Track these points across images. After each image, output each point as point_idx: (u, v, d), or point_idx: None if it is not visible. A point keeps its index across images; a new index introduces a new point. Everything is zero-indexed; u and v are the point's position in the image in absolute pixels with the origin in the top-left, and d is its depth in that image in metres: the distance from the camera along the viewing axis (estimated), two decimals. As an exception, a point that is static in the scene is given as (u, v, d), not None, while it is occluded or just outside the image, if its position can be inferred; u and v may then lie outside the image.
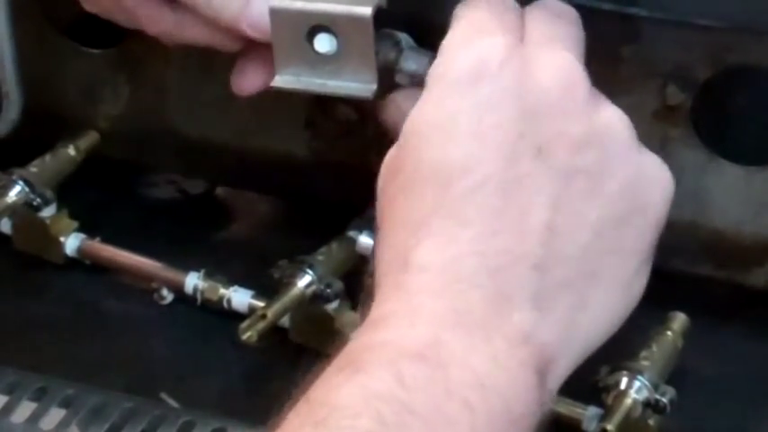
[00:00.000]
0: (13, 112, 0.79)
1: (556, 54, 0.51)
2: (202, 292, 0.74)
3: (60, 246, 0.78)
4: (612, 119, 0.52)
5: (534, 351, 0.48)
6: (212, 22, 0.60)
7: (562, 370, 0.49)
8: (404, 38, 0.59)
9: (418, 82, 0.56)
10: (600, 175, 0.50)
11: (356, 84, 0.56)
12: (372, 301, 0.50)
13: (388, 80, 0.58)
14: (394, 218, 0.51)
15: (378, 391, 0.45)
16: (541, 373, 0.48)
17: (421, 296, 0.48)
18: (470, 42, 0.52)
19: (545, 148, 0.49)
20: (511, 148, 0.49)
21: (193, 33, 0.62)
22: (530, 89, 0.50)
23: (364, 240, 0.70)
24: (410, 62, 0.58)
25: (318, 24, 0.56)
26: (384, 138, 0.57)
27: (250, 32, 0.59)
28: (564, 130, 0.50)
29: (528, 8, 0.55)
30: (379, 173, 0.53)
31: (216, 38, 0.62)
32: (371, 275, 0.52)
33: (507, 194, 0.48)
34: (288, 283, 0.70)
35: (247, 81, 0.63)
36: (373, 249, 0.54)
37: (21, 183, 0.77)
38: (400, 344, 0.46)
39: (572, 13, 0.55)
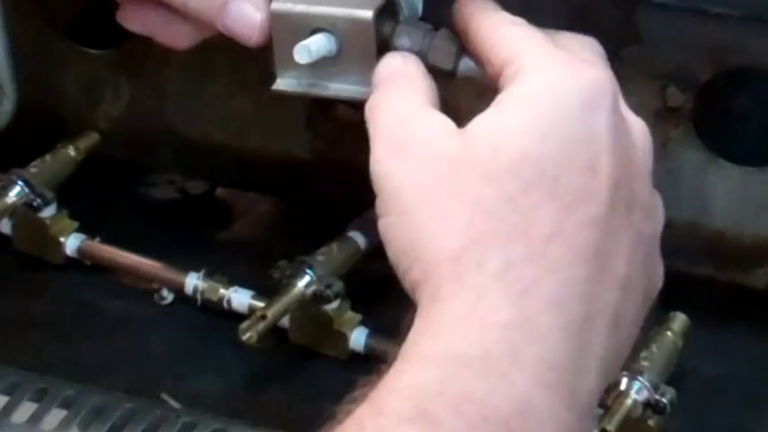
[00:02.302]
0: (7, 104, 0.79)
1: (638, 118, 0.50)
2: (202, 293, 0.74)
3: (60, 246, 0.78)
4: (659, 202, 0.51)
5: (588, 421, 0.46)
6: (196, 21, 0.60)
7: None
8: (406, 4, 0.57)
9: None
10: (652, 249, 0.50)
11: (358, 86, 0.56)
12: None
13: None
14: (499, 228, 0.46)
15: None
16: None
17: (520, 341, 0.44)
18: (574, 65, 0.48)
19: (631, 204, 0.48)
20: (614, 194, 0.47)
21: (181, 32, 0.62)
22: (631, 143, 0.49)
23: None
24: (404, 39, 0.57)
25: (319, 27, 0.55)
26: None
27: (228, 33, 0.58)
28: (643, 194, 0.49)
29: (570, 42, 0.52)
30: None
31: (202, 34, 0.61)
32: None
33: (605, 240, 0.46)
34: (288, 283, 0.70)
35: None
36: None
37: (21, 183, 0.77)
38: (489, 405, 0.43)
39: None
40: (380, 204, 0.49)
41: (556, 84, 0.48)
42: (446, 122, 0.50)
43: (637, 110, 0.70)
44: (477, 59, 0.53)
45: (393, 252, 0.49)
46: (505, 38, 0.51)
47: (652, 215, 0.50)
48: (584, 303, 0.45)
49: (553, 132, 0.47)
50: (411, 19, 0.58)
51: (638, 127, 0.50)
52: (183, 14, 0.59)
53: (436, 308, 0.45)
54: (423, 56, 0.57)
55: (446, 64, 0.56)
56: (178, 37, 0.61)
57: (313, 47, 0.54)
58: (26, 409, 0.66)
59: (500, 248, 0.45)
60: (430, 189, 0.48)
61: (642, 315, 0.49)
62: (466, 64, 0.57)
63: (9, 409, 0.66)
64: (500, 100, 0.48)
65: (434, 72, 0.57)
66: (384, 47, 0.56)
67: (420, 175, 0.48)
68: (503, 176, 0.46)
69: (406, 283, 0.48)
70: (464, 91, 0.71)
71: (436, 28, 0.57)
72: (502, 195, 0.46)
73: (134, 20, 0.62)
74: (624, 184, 0.47)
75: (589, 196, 0.46)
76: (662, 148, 0.70)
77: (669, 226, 0.73)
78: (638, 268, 0.48)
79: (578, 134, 0.47)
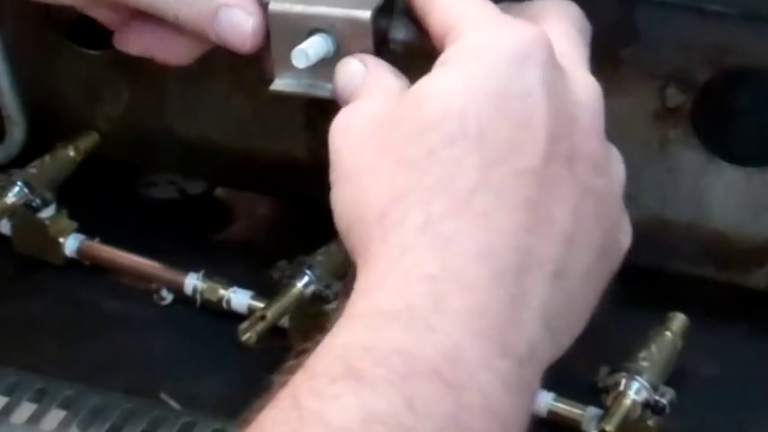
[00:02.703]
0: (18, 134, 0.79)
1: (588, 75, 0.51)
2: (202, 293, 0.74)
3: (60, 246, 0.78)
4: (619, 158, 0.51)
5: (535, 371, 0.45)
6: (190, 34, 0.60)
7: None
8: None
9: (411, 51, 0.56)
10: (605, 204, 0.49)
11: None
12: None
13: (386, 53, 0.57)
14: (421, 183, 0.46)
15: (382, 413, 0.41)
16: (536, 391, 0.46)
17: (445, 292, 0.44)
18: (509, 24, 0.49)
19: (573, 158, 0.48)
20: (549, 147, 0.47)
21: (180, 48, 0.62)
22: (570, 97, 0.49)
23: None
24: (400, 30, 0.57)
25: (317, 28, 0.55)
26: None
27: (220, 41, 0.58)
28: (590, 149, 0.49)
29: (543, 5, 0.53)
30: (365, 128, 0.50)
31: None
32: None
33: (541, 192, 0.46)
34: (287, 283, 0.70)
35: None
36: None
37: (20, 184, 0.77)
38: (415, 356, 0.42)
39: (582, 18, 0.54)
40: (331, 181, 0.50)
41: (487, 42, 0.48)
42: (392, 92, 0.51)
43: (636, 110, 0.70)
44: (425, 32, 0.53)
45: (336, 221, 0.50)
46: (445, 6, 0.51)
47: (604, 170, 0.49)
48: (516, 253, 0.45)
49: (481, 88, 0.47)
50: (406, 11, 0.57)
51: (582, 83, 0.50)
52: (177, 29, 0.59)
53: (367, 268, 0.46)
54: (418, 46, 0.57)
55: None
56: (177, 53, 0.61)
57: (310, 50, 0.54)
58: (26, 410, 0.66)
59: (421, 203, 0.46)
60: (363, 153, 0.49)
61: (599, 273, 0.49)
62: None
63: (9, 409, 0.66)
64: (436, 63, 0.49)
65: (432, 59, 0.57)
66: (382, 45, 0.56)
67: (357, 140, 0.50)
68: (426, 132, 0.47)
69: (349, 252, 0.48)
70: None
71: None
72: (424, 150, 0.46)
73: (132, 43, 0.62)
74: (563, 138, 0.47)
75: (519, 149, 0.46)
76: (661, 148, 0.70)
77: (668, 226, 0.73)
78: (588, 222, 0.48)
79: (508, 89, 0.47)
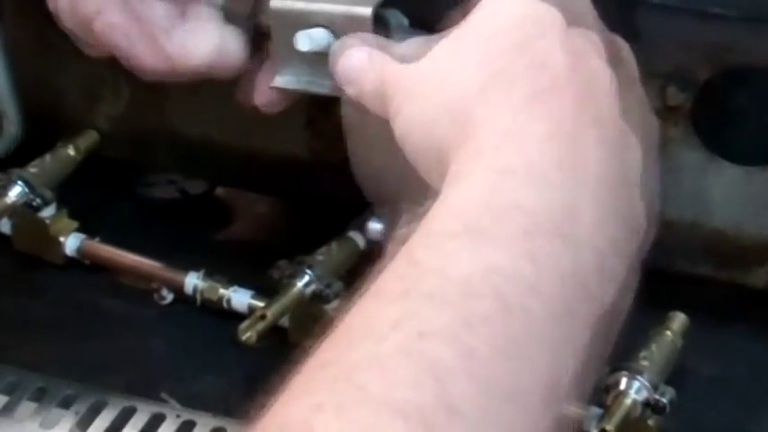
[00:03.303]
0: (12, 130, 0.79)
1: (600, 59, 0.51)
2: (202, 293, 0.74)
3: (60, 246, 0.78)
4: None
5: (636, 248, 0.46)
6: None
7: None
8: (392, 15, 0.58)
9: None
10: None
11: None
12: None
13: None
14: (514, 67, 0.48)
15: (503, 266, 0.41)
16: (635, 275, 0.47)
17: (560, 152, 0.44)
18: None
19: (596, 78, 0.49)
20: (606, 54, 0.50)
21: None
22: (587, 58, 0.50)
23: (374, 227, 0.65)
24: (398, 29, 0.57)
25: (318, 24, 0.56)
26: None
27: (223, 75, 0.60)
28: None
29: None
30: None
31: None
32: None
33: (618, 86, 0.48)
34: (287, 283, 0.70)
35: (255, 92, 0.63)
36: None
37: (21, 183, 0.77)
38: (533, 212, 0.43)
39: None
40: (392, 115, 0.51)
41: (504, 7, 0.50)
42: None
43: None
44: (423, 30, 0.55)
45: (416, 146, 0.50)
46: None
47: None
48: (620, 129, 0.47)
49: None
50: (400, 28, 0.58)
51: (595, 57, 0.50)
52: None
53: (474, 133, 0.46)
54: None
55: None
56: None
57: (315, 34, 0.55)
58: (26, 409, 0.66)
59: (524, 78, 0.47)
60: (431, 70, 0.50)
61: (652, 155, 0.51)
62: None
63: (9, 408, 0.66)
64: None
65: None
66: None
67: (415, 70, 0.51)
68: (511, 29, 0.49)
69: (438, 165, 0.47)
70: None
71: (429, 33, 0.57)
72: (512, 42, 0.48)
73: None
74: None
75: (593, 47, 0.49)
76: (661, 147, 0.70)
77: (669, 225, 0.73)
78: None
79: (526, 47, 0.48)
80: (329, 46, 0.55)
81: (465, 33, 0.50)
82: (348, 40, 0.55)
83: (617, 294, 0.44)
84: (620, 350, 0.65)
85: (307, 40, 0.55)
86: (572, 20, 0.50)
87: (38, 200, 0.77)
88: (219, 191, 0.86)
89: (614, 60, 0.50)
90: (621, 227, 0.45)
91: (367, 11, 0.55)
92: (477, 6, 0.50)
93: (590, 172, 0.44)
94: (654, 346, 0.66)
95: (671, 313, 0.69)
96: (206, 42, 0.61)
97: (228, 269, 0.75)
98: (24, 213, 0.78)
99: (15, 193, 0.77)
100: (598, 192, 0.44)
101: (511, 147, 0.45)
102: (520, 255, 0.41)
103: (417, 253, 0.42)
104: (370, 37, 0.55)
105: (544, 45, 0.48)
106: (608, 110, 0.47)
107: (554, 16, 0.49)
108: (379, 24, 0.56)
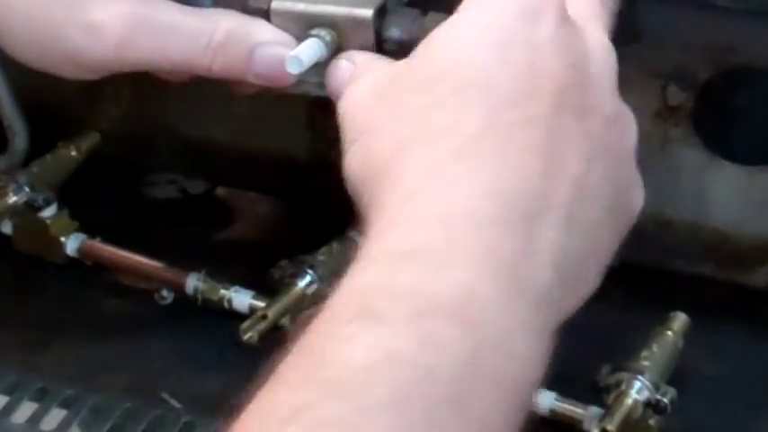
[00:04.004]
0: (20, 142, 0.79)
1: (602, 34, 0.51)
2: (203, 293, 0.74)
3: (60, 246, 0.78)
4: (631, 117, 0.51)
5: (551, 318, 0.45)
6: None
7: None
8: None
9: (406, 49, 0.56)
10: (616, 159, 0.49)
11: None
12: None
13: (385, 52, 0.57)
14: (426, 129, 0.47)
15: (401, 354, 0.40)
16: (552, 342, 0.45)
17: (455, 231, 0.43)
18: None
19: (585, 112, 0.48)
20: (559, 99, 0.47)
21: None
22: (582, 52, 0.49)
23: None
24: (393, 29, 0.57)
25: (319, 26, 0.55)
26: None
27: (260, 80, 0.59)
28: (601, 104, 0.49)
29: None
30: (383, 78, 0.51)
31: None
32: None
33: (550, 138, 0.46)
34: (289, 283, 0.70)
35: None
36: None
37: (22, 183, 0.77)
38: (430, 294, 0.42)
39: None
40: (343, 151, 0.50)
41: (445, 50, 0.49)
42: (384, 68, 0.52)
43: (637, 109, 0.70)
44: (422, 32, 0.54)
45: (350, 186, 0.50)
46: None
47: (616, 127, 0.49)
48: (525, 195, 0.45)
49: (489, 38, 0.47)
50: (397, 7, 0.57)
51: (596, 41, 0.50)
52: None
53: (377, 216, 0.46)
54: (414, 43, 0.56)
55: None
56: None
57: (303, 56, 0.54)
58: (26, 409, 0.66)
59: (426, 146, 0.46)
60: (372, 113, 0.50)
61: (611, 228, 0.49)
62: None
63: (9, 409, 0.66)
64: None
65: None
66: (383, 43, 0.56)
67: (365, 105, 0.50)
68: (433, 82, 0.47)
69: (363, 214, 0.48)
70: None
71: (424, 13, 0.57)
72: (430, 99, 0.47)
73: None
74: (573, 92, 0.48)
75: (527, 97, 0.46)
76: (662, 147, 0.70)
77: (669, 225, 0.73)
78: (598, 174, 0.48)
79: (516, 39, 0.47)
80: (324, 56, 0.55)
81: (407, 72, 0.50)
82: (346, 53, 0.55)
83: (525, 367, 0.43)
84: (622, 350, 0.65)
85: (297, 65, 0.54)
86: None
87: (39, 200, 0.77)
88: (220, 191, 0.86)
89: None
90: (527, 300, 0.44)
91: (368, 12, 0.55)
92: (423, 42, 0.50)
93: (486, 250, 0.43)
94: (655, 346, 0.66)
95: (672, 313, 0.69)
96: None
97: (229, 269, 0.75)
98: (25, 213, 0.78)
99: (16, 193, 0.77)
100: (497, 270, 0.43)
101: (404, 227, 0.44)
102: (418, 339, 0.40)
103: (316, 339, 0.42)
104: (362, 55, 0.55)
105: (467, 97, 0.47)
106: (510, 180, 0.45)
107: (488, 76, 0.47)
108: (377, 12, 0.56)
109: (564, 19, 0.49)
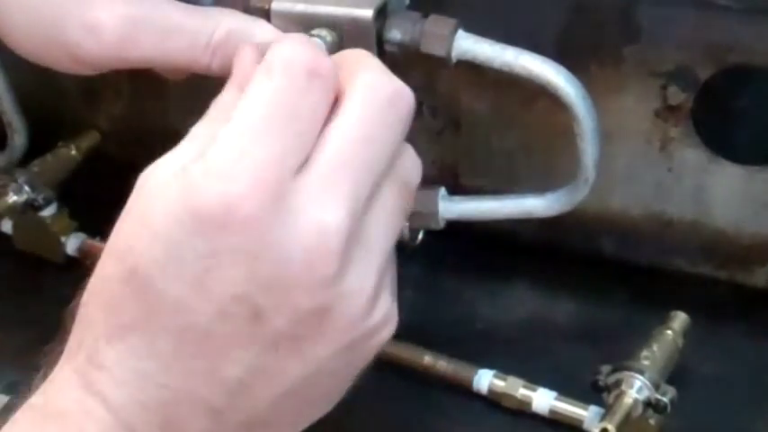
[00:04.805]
0: (19, 139, 0.79)
1: (324, 212, 0.46)
2: (203, 292, 0.74)
3: (61, 245, 0.78)
4: (353, 287, 0.47)
5: None
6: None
7: None
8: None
9: (408, 49, 0.56)
10: (313, 340, 0.47)
11: None
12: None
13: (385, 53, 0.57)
14: (104, 302, 0.51)
15: None
16: None
17: (97, 412, 0.47)
18: (229, 171, 0.47)
19: (264, 315, 0.46)
20: (226, 306, 0.46)
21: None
22: (270, 257, 0.45)
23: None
24: (394, 31, 0.57)
25: (319, 26, 0.55)
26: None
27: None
28: (291, 303, 0.46)
29: (350, 87, 0.47)
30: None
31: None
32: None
33: (207, 344, 0.46)
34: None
35: None
36: None
37: (22, 182, 0.77)
38: None
39: (405, 97, 0.48)
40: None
41: (195, 189, 0.49)
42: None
43: (637, 108, 0.70)
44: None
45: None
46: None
47: (314, 317, 0.47)
48: (159, 390, 0.47)
49: (162, 248, 0.48)
50: (398, 9, 0.58)
51: (303, 230, 0.46)
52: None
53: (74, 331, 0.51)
54: (415, 45, 0.57)
55: (439, 50, 0.57)
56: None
57: None
58: (26, 409, 0.66)
59: (104, 317, 0.50)
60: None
61: (319, 392, 0.49)
62: (459, 48, 0.57)
63: (9, 408, 0.66)
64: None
65: (428, 60, 0.56)
66: (381, 44, 0.56)
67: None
68: (107, 279, 0.52)
69: None
70: (463, 81, 0.71)
71: (425, 16, 0.57)
72: (108, 295, 0.51)
73: None
74: (252, 298, 0.46)
75: (185, 308, 0.46)
76: (662, 146, 0.70)
77: (670, 224, 0.73)
78: (276, 363, 0.47)
79: (186, 248, 0.47)
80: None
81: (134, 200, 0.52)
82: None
83: None
84: (622, 349, 0.65)
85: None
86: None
87: (39, 199, 0.77)
88: (220, 190, 0.86)
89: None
90: None
91: (368, 13, 0.55)
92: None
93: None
94: (655, 346, 0.66)
95: (672, 312, 0.69)
96: None
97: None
98: (25, 213, 0.78)
99: (17, 192, 0.77)
100: None
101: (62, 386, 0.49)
102: None
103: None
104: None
105: (132, 303, 0.49)
106: (144, 380, 0.47)
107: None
108: (378, 15, 0.56)
109: (270, 200, 0.45)
